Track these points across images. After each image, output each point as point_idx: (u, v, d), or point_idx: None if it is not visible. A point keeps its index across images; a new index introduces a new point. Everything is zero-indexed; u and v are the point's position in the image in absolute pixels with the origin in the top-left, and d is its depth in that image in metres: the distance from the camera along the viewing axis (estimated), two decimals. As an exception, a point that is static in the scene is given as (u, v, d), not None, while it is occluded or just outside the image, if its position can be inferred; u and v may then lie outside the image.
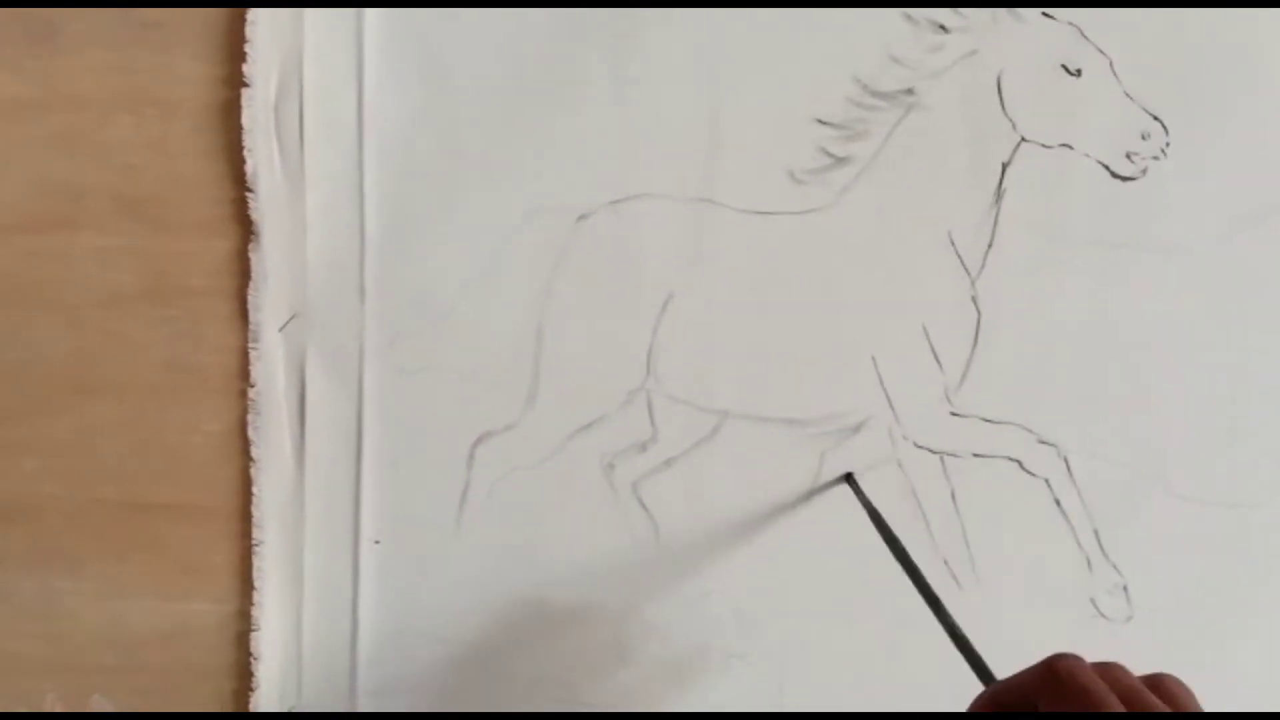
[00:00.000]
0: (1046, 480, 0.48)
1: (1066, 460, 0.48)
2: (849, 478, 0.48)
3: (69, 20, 0.47)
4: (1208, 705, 0.48)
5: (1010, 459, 0.48)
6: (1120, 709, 0.31)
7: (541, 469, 0.48)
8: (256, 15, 0.45)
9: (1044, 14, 0.46)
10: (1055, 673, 0.32)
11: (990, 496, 0.48)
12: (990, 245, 0.47)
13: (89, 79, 0.47)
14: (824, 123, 0.47)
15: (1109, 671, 0.33)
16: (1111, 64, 0.47)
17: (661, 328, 0.48)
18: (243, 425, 0.48)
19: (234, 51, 0.46)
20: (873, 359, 0.48)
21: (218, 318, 0.48)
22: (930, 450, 0.48)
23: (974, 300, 0.48)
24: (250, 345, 0.47)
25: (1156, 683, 0.34)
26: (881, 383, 0.48)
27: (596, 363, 0.48)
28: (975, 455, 0.48)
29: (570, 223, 0.48)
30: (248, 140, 0.46)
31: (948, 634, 0.39)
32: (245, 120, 0.46)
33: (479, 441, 0.48)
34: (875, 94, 0.47)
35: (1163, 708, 0.32)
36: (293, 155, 0.46)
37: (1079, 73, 0.47)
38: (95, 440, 0.49)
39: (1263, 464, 0.48)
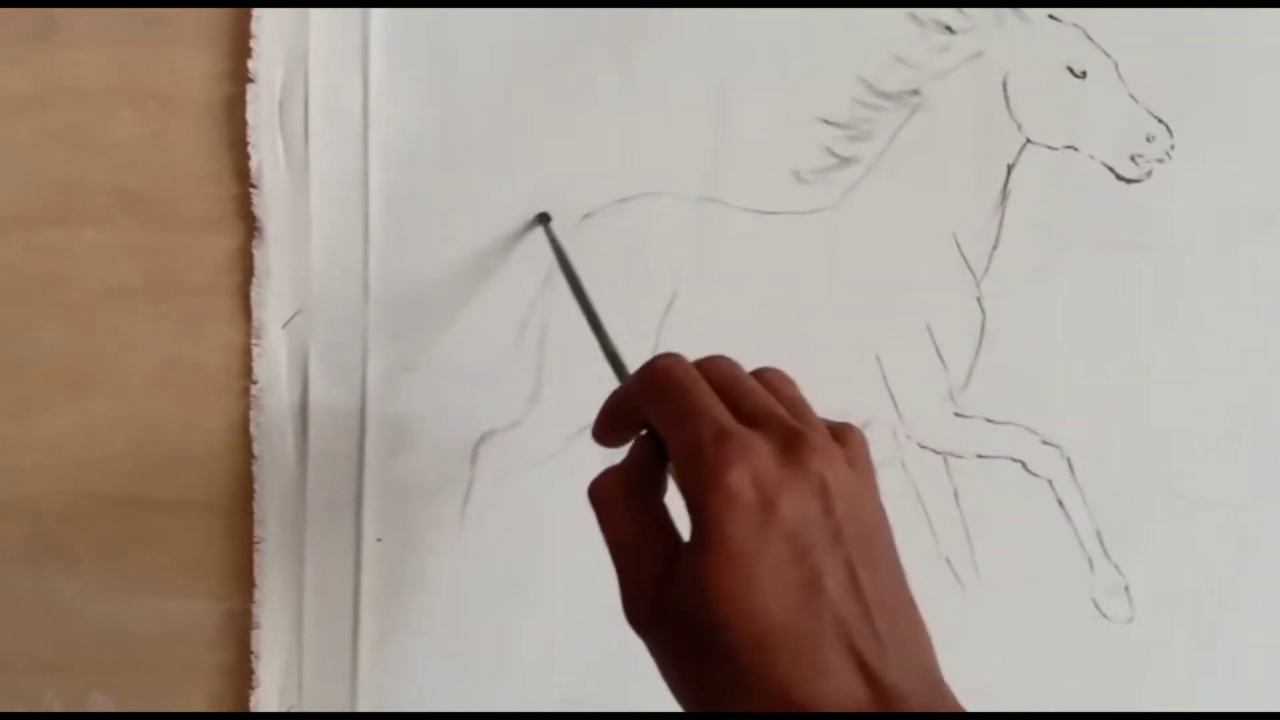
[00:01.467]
0: (1049, 481, 0.48)
1: (1069, 461, 0.48)
2: (542, 218, 0.47)
3: (70, 15, 0.47)
4: (1212, 706, 0.48)
5: (1014, 460, 0.48)
6: (711, 396, 0.31)
7: (544, 468, 0.48)
8: (262, 11, 0.45)
9: (1050, 16, 0.46)
10: (652, 373, 0.32)
11: (993, 497, 0.48)
12: (995, 246, 0.47)
13: (91, 74, 0.47)
14: (829, 123, 0.47)
15: (708, 364, 0.33)
16: (1116, 66, 0.47)
17: (666, 327, 0.48)
18: (244, 422, 0.47)
19: (238, 47, 0.46)
20: (877, 359, 0.48)
21: (220, 314, 0.47)
22: (934, 450, 0.48)
23: (979, 301, 0.48)
24: (253, 342, 0.47)
25: (758, 373, 0.34)
26: (886, 382, 0.48)
27: (600, 362, 0.48)
28: (979, 456, 0.48)
29: (575, 221, 0.48)
30: (252, 136, 0.46)
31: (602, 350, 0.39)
32: (250, 116, 0.45)
33: (482, 440, 0.48)
34: (881, 94, 0.47)
35: (761, 394, 0.32)
36: (297, 152, 0.46)
37: (1084, 75, 0.47)
38: (95, 436, 0.48)
39: (1266, 464, 0.48)
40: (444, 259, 0.47)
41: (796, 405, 0.33)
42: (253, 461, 0.48)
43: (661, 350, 0.48)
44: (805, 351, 0.48)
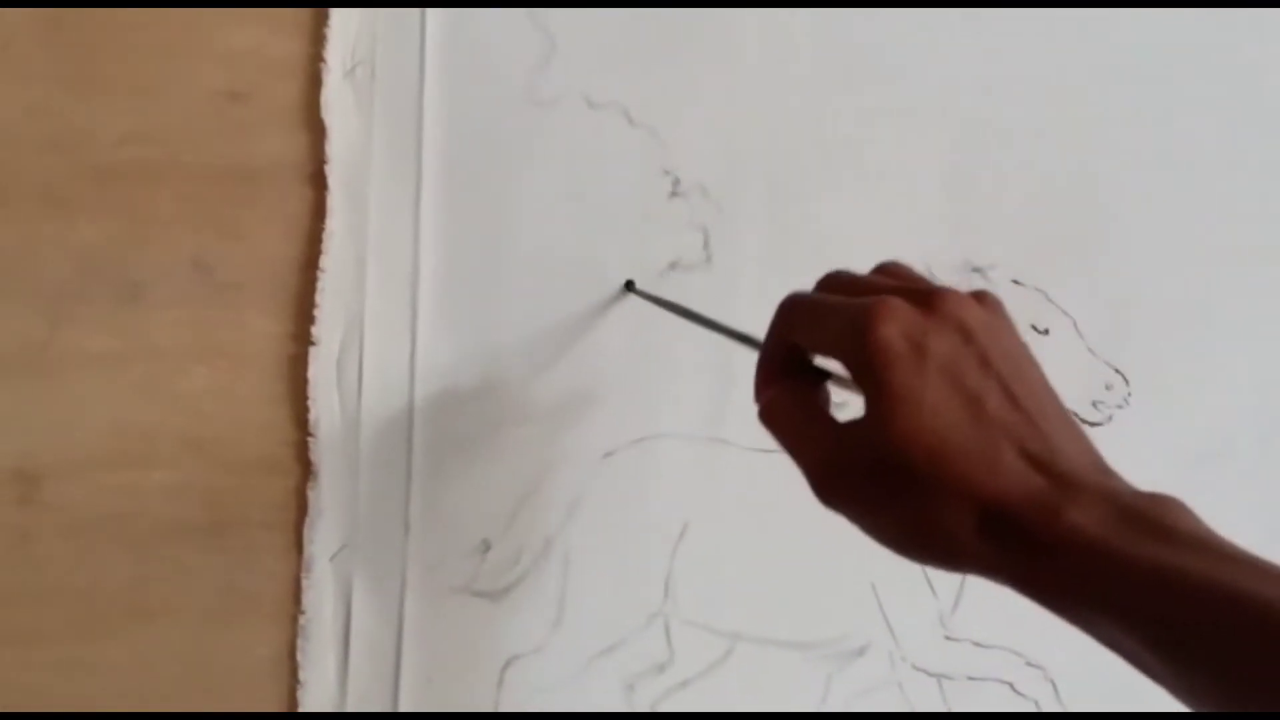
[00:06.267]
0: (1035, 701, 0.51)
1: (1054, 682, 0.51)
2: (629, 285, 0.52)
3: (154, 280, 0.53)
4: None
5: (1002, 681, 0.52)
6: (840, 293, 0.35)
7: (567, 689, 0.52)
8: (325, 280, 0.51)
9: (1014, 282, 0.53)
10: (788, 303, 0.37)
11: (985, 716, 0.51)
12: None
13: (169, 333, 0.52)
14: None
15: (827, 278, 0.37)
16: (1075, 323, 0.53)
17: (679, 555, 0.53)
18: (292, 649, 0.51)
19: (302, 311, 0.52)
20: (872, 586, 0.52)
21: (275, 548, 0.52)
22: (928, 673, 0.52)
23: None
24: (303, 574, 0.51)
25: (877, 269, 0.38)
26: (881, 609, 0.52)
27: (619, 588, 0.53)
28: (969, 678, 0.52)
29: (596, 460, 0.53)
30: (312, 392, 0.51)
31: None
32: (311, 374, 0.51)
33: (508, 665, 0.52)
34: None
35: (885, 278, 0.36)
36: (350, 405, 0.51)
37: (1047, 331, 0.53)
38: (154, 660, 0.52)
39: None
40: (476, 495, 0.52)
41: (920, 279, 0.37)
42: (298, 687, 0.51)
43: (676, 575, 0.52)
44: (806, 579, 0.52)
